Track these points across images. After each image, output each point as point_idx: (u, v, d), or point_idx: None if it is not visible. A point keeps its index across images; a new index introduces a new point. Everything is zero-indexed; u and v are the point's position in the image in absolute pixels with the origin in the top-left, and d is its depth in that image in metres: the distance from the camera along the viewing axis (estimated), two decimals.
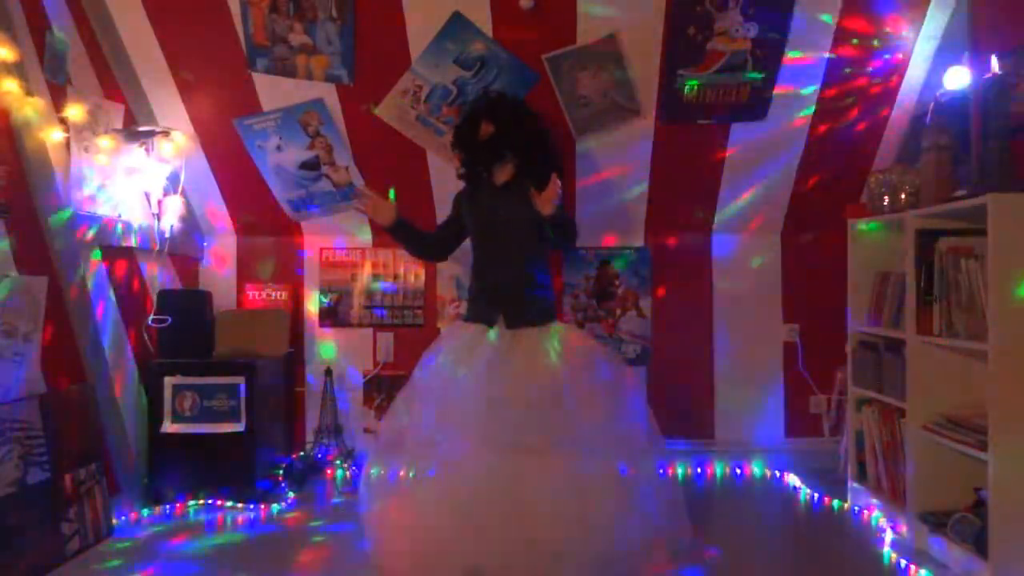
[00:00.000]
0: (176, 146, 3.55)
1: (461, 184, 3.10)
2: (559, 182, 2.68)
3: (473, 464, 2.54)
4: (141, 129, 3.37)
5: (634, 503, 2.59)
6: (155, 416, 3.36)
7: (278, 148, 3.68)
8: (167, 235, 3.54)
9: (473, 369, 2.67)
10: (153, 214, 3.48)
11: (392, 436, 2.79)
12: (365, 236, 4.07)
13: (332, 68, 3.40)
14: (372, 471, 2.79)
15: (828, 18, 3.30)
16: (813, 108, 3.58)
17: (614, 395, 2.75)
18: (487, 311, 2.85)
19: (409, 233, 3.09)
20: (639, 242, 4.05)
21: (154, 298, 3.52)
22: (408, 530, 2.55)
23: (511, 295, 2.86)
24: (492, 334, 2.77)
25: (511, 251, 2.92)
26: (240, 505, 3.32)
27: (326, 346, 4.06)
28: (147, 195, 3.45)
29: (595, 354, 2.83)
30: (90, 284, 3.04)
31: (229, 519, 3.20)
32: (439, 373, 2.75)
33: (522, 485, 2.51)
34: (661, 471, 2.85)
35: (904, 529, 2.90)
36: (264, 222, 4.01)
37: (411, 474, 2.66)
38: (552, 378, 2.65)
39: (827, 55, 3.41)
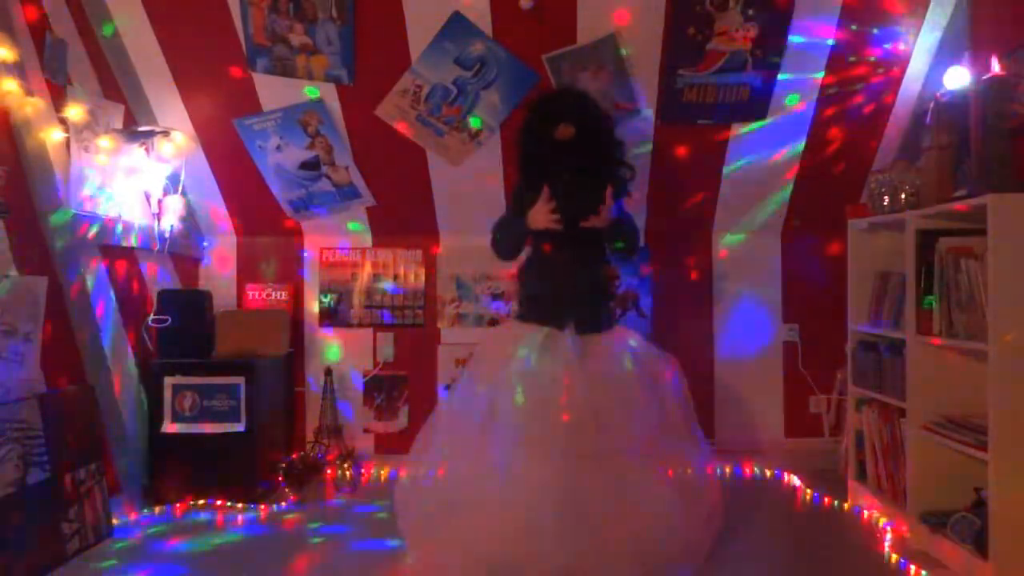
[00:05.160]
0: (176, 146, 3.54)
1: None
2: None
3: (543, 470, 2.47)
4: (141, 129, 3.37)
5: (692, 504, 2.59)
6: (155, 416, 3.36)
7: (278, 148, 3.67)
8: (167, 235, 3.53)
9: (551, 375, 2.59)
10: (153, 214, 3.48)
11: (439, 442, 2.71)
12: (365, 236, 4.07)
13: (332, 68, 3.40)
14: (416, 474, 2.72)
15: (828, 18, 3.30)
16: (813, 108, 3.58)
17: (672, 400, 2.71)
18: (556, 315, 2.71)
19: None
20: (639, 242, 4.04)
21: (154, 298, 3.52)
22: (469, 538, 2.46)
23: (586, 301, 2.77)
24: (566, 339, 2.66)
25: (587, 256, 2.83)
26: (240, 505, 3.32)
27: (326, 346, 4.06)
28: (147, 195, 3.45)
29: (656, 360, 2.77)
30: (90, 284, 3.04)
31: (229, 519, 3.20)
32: (509, 375, 2.63)
33: (588, 491, 2.47)
34: (709, 471, 2.83)
35: (904, 529, 2.90)
36: (264, 222, 4.01)
37: (456, 477, 2.60)
38: (621, 386, 2.62)
39: (827, 56, 3.41)
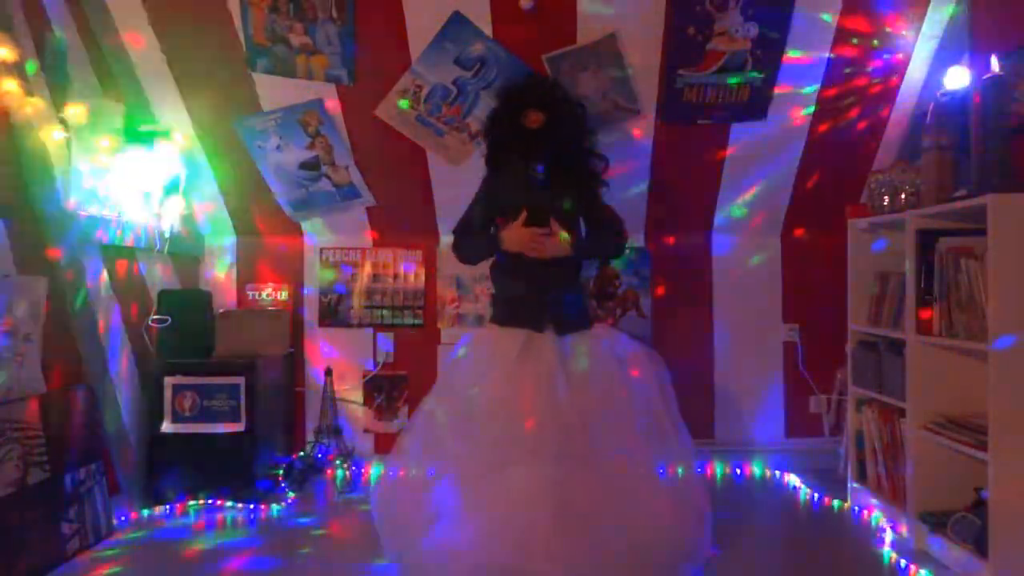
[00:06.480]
0: (176, 146, 3.54)
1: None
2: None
3: (534, 475, 2.43)
4: (141, 129, 3.37)
5: (685, 504, 2.57)
6: (155, 416, 3.36)
7: (278, 148, 3.67)
8: (167, 235, 3.53)
9: (533, 378, 2.56)
10: (153, 214, 3.48)
11: (420, 446, 2.67)
12: (365, 236, 4.07)
13: (332, 68, 3.40)
14: (395, 479, 2.66)
15: (828, 18, 3.30)
16: (813, 108, 3.58)
17: (657, 397, 2.69)
18: (533, 316, 2.69)
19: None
20: (639, 242, 4.05)
21: (154, 298, 3.52)
22: (460, 546, 2.38)
23: (561, 300, 2.74)
24: (547, 341, 2.64)
25: (560, 255, 2.76)
26: (240, 505, 3.32)
27: (326, 346, 4.06)
28: (147, 195, 3.45)
29: (639, 358, 2.75)
30: (90, 284, 3.04)
31: (229, 519, 3.20)
32: (488, 381, 2.60)
33: (580, 495, 2.43)
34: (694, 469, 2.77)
35: (904, 529, 2.90)
36: (264, 222, 4.01)
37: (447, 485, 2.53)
38: (603, 386, 2.60)
39: (827, 55, 3.41)
